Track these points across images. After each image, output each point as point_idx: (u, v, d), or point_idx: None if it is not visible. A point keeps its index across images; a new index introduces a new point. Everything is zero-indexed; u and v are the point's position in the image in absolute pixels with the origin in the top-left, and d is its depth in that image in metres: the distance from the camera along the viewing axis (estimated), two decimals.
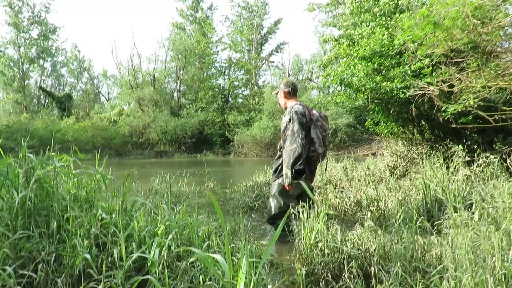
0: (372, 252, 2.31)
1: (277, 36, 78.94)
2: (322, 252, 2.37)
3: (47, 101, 42.44)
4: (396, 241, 2.49)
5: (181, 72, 35.77)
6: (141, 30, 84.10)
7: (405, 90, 4.67)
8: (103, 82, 48.76)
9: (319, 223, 2.43)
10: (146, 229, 2.00)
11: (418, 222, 3.02)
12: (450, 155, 5.02)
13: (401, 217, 3.01)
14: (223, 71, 37.66)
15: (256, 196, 5.14)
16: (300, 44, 71.08)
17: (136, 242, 1.86)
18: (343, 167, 6.42)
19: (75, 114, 37.48)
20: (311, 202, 3.29)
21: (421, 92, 3.79)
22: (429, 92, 3.67)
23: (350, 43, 5.85)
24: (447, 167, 4.74)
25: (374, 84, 4.71)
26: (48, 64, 45.01)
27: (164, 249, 1.82)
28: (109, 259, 1.78)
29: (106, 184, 2.46)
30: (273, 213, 3.27)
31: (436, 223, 3.21)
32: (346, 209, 4.39)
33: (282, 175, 3.23)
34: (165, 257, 1.78)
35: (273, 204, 3.29)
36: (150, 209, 2.55)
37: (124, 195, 2.26)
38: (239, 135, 28.86)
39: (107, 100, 46.32)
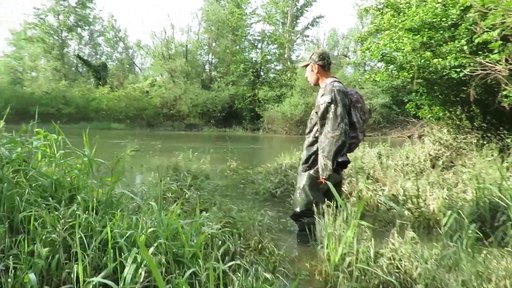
0: (415, 278, 1.81)
1: (313, 9, 75.93)
2: (350, 269, 1.90)
3: (84, 69, 43.37)
4: (447, 262, 1.96)
5: (214, 44, 35.21)
6: (176, 0, 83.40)
7: (458, 69, 3.98)
8: (137, 52, 49.10)
9: (348, 234, 1.95)
10: (128, 234, 1.60)
11: (469, 231, 2.49)
12: (506, 147, 4.33)
13: (448, 222, 2.48)
14: (255, 44, 36.71)
15: (279, 182, 4.69)
16: (338, 18, 68.02)
17: (109, 256, 1.47)
18: (378, 153, 5.81)
19: (110, 83, 38.14)
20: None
21: (483, 72, 3.13)
22: (495, 72, 3.00)
23: (395, 13, 5.11)
24: (502, 161, 4.07)
25: (422, 61, 4.03)
26: (85, 33, 45.71)
27: (142, 265, 1.43)
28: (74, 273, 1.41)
29: (92, 168, 2.06)
30: (298, 209, 2.80)
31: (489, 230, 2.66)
32: (379, 204, 3.86)
33: (316, 166, 2.73)
34: (142, 277, 1.38)
35: (300, 199, 2.81)
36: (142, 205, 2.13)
37: (111, 186, 1.87)
38: (269, 111, 28.29)
39: (141, 71, 46.74)
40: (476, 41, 3.20)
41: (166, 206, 3.21)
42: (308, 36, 38.11)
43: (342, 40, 38.52)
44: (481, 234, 2.53)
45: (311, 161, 2.79)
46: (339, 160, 2.55)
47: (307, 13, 67.22)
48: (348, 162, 2.60)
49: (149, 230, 1.55)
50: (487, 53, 3.52)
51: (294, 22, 37.05)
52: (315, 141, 2.77)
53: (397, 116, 26.99)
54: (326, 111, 2.63)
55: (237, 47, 35.62)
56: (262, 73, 35.55)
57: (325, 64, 2.85)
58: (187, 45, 35.07)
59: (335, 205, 2.38)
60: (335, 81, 2.76)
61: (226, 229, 2.33)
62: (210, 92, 31.26)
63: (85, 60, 41.77)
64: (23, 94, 34.86)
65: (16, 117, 31.70)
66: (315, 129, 2.80)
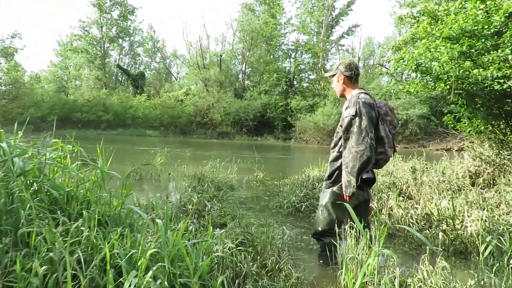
0: None
1: (349, 18, 75.04)
2: None
3: (123, 78, 45.20)
4: None
5: (247, 53, 35.57)
6: (211, 11, 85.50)
7: (501, 81, 3.66)
8: (174, 62, 50.56)
9: (370, 261, 1.77)
10: (130, 253, 1.52)
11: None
12: None
13: (487, 249, 2.23)
14: (289, 53, 36.70)
15: (304, 196, 4.51)
16: (374, 26, 66.77)
17: (107, 277, 1.39)
18: (412, 167, 5.48)
19: (147, 92, 39.46)
20: (364, 223, 2.62)
21: None
22: None
23: (432, 21, 4.84)
24: None
25: (461, 71, 3.74)
26: (126, 44, 47.81)
27: None
28: None
29: (104, 181, 2.01)
30: (320, 228, 2.62)
31: None
32: (411, 224, 3.60)
33: (340, 182, 2.57)
34: None
35: (322, 217, 2.63)
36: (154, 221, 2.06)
37: (123, 199, 1.81)
38: (301, 121, 28.05)
39: (176, 80, 48.00)
40: None
41: (184, 219, 3.15)
42: (343, 45, 37.68)
43: (378, 49, 37.67)
44: None
45: (335, 177, 2.62)
46: (364, 177, 2.36)
47: (343, 22, 66.50)
48: (373, 179, 2.40)
49: (151, 251, 1.46)
50: None
51: (329, 32, 36.74)
52: (339, 156, 2.60)
53: (435, 127, 25.87)
54: (350, 124, 2.47)
55: (271, 56, 35.80)
56: (295, 82, 35.42)
57: (352, 76, 2.68)
58: (221, 55, 35.68)
59: (358, 226, 2.20)
60: (362, 92, 2.59)
61: (240, 248, 2.21)
62: (243, 101, 31.51)
63: (125, 70, 43.58)
64: (67, 101, 36.80)
65: (60, 122, 33.07)
66: (339, 143, 2.64)
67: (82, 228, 1.58)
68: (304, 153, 18.49)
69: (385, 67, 27.66)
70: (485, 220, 3.17)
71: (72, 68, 48.39)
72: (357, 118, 2.43)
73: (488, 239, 2.30)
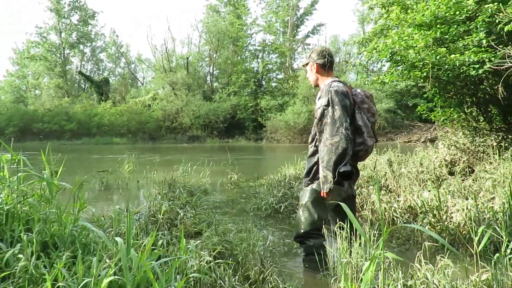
0: None
1: (314, 17, 76.25)
2: None
3: (86, 85, 43.50)
4: None
5: (215, 55, 35.17)
6: (176, 14, 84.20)
7: (477, 66, 3.60)
8: (139, 66, 49.29)
9: (370, 268, 1.54)
10: (83, 283, 1.22)
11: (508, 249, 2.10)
12: None
13: (483, 242, 2.08)
14: (256, 54, 36.64)
15: (283, 196, 4.29)
16: (338, 25, 68.11)
17: None
18: (388, 160, 5.40)
19: (112, 98, 38.14)
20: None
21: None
22: None
23: (402, 10, 4.76)
24: None
25: (437, 57, 3.65)
26: (87, 49, 46.06)
27: None
28: None
29: (52, 195, 1.68)
30: (302, 230, 2.39)
31: None
32: (395, 218, 3.45)
33: (318, 179, 2.35)
34: None
35: (303, 218, 2.40)
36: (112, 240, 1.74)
37: (75, 215, 1.49)
38: (272, 120, 28.01)
39: (142, 85, 46.80)
40: (506, 29, 2.81)
41: (153, 232, 2.83)
42: (309, 44, 38.02)
43: (343, 47, 38.33)
44: None
45: (313, 173, 2.41)
46: (341, 170, 2.16)
47: (308, 22, 67.39)
48: (351, 172, 2.19)
49: (109, 279, 1.16)
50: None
51: (295, 31, 37.01)
52: (316, 150, 2.40)
53: (402, 120, 26.61)
54: (323, 115, 2.27)
55: (238, 57, 35.58)
56: (263, 83, 35.39)
57: (325, 63, 2.49)
58: (188, 57, 35.06)
59: (348, 225, 1.99)
60: (335, 81, 2.39)
61: (219, 261, 1.94)
62: (212, 103, 31.09)
63: (87, 76, 41.96)
64: (26, 112, 34.87)
65: (20, 134, 31.39)
66: (316, 137, 2.44)
67: (21, 255, 1.25)
68: (276, 152, 18.37)
69: (352, 64, 28.15)
70: (470, 209, 3.07)
71: (30, 77, 46.04)
72: (329, 108, 2.24)
73: (480, 230, 2.15)
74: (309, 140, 2.54)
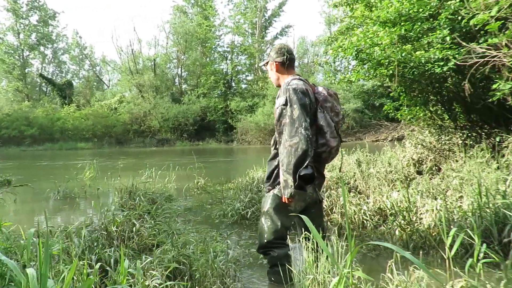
0: None
1: (281, 19, 76.82)
2: None
3: (48, 89, 41.60)
4: None
5: (183, 57, 34.59)
6: (142, 14, 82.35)
7: (441, 63, 3.56)
8: (104, 69, 47.76)
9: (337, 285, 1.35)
10: None
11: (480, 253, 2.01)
12: (496, 147, 3.94)
13: (457, 245, 1.96)
14: (225, 55, 36.36)
15: (250, 201, 4.08)
16: (306, 27, 69.07)
17: None
18: (357, 160, 5.33)
19: (76, 102, 36.65)
20: (319, 228, 2.25)
21: (481, 60, 2.68)
22: (494, 59, 2.56)
23: (366, 8, 4.71)
24: (497, 162, 3.65)
25: (403, 54, 3.59)
26: (49, 51, 44.05)
27: None
28: None
29: None
30: (265, 239, 2.19)
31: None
32: (364, 221, 3.34)
33: (279, 183, 2.17)
34: None
35: (266, 226, 2.21)
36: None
37: None
38: (242, 122, 27.83)
39: (108, 87, 45.34)
40: (472, 22, 2.75)
41: (106, 248, 2.55)
42: None
43: (311, 48, 38.79)
44: (495, 257, 2.03)
45: (273, 177, 2.24)
46: (301, 173, 1.99)
47: (276, 23, 67.84)
48: (313, 175, 2.04)
49: None
50: (478, 41, 3.12)
51: (263, 33, 37.07)
52: (277, 153, 2.23)
53: (369, 120, 27.18)
54: (281, 115, 2.12)
55: (207, 59, 35.16)
56: (233, 84, 35.15)
57: (284, 61, 2.32)
58: (154, 59, 34.25)
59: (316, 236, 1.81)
60: (294, 79, 2.23)
61: (172, 282, 1.71)
62: (181, 105, 30.49)
63: (49, 79, 40.10)
64: None
65: None
66: (277, 141, 2.26)
67: None
68: (247, 154, 18.20)
69: (320, 65, 28.48)
70: (440, 210, 3.00)
71: None
72: (288, 107, 2.07)
73: (452, 232, 2.04)
74: (271, 142, 2.36)
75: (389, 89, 5.04)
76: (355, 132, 26.44)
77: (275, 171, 2.23)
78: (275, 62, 2.33)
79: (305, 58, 39.09)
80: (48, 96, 40.05)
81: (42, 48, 42.43)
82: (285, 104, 2.07)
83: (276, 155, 2.25)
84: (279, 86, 2.36)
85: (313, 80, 28.22)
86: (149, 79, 31.98)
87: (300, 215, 2.07)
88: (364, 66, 4.38)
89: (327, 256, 1.61)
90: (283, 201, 2.10)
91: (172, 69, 36.72)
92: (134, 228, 2.89)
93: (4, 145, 30.52)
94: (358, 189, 4.30)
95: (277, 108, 2.14)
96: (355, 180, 4.54)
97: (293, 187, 2.00)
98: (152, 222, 3.30)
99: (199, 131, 30.76)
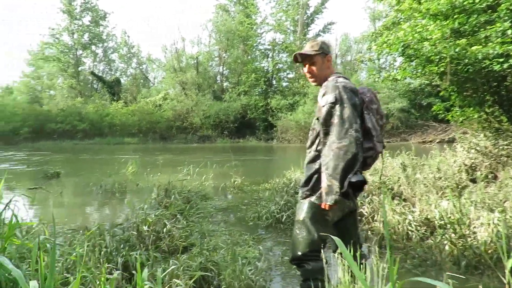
0: None
1: (324, 15, 75.35)
2: None
3: (98, 85, 43.88)
4: None
5: (224, 55, 34.97)
6: (187, 14, 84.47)
7: (501, 60, 3.19)
8: (150, 66, 49.53)
9: None
10: None
11: None
12: None
13: None
14: (266, 53, 36.27)
15: (286, 204, 3.93)
16: (349, 23, 67.28)
17: None
18: (402, 163, 4.99)
19: (123, 99, 38.31)
20: (354, 239, 2.07)
21: None
22: None
23: (414, 0, 4.36)
24: None
25: (456, 50, 3.26)
26: (99, 50, 46.38)
27: None
28: None
29: None
30: (300, 251, 1.99)
31: None
32: (409, 232, 3.07)
33: (319, 189, 1.96)
34: None
35: (300, 237, 2.01)
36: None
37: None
38: (282, 120, 27.60)
39: (154, 84, 46.95)
40: None
41: (134, 248, 2.52)
42: None
43: (354, 45, 37.65)
44: None
45: (313, 183, 2.01)
46: (353, 180, 1.80)
47: (318, 20, 66.37)
48: (364, 182, 1.85)
49: None
50: None
51: (305, 30, 36.49)
52: (318, 155, 2.02)
53: (416, 120, 25.87)
54: (329, 114, 1.89)
55: (248, 57, 35.25)
56: (274, 82, 34.99)
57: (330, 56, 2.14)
58: (197, 57, 34.92)
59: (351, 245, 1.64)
60: (340, 76, 2.04)
61: None
62: (222, 103, 30.87)
63: (99, 77, 42.26)
64: (41, 112, 35.33)
65: (34, 135, 32.17)
66: (317, 140, 2.06)
67: None
68: (286, 153, 18.00)
69: (363, 62, 27.52)
70: (497, 224, 2.67)
71: (45, 78, 46.78)
72: (337, 106, 1.86)
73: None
74: (308, 143, 2.15)
75: (439, 88, 4.64)
76: (400, 132, 25.25)
77: (315, 176, 2.02)
78: (330, 55, 2.11)
79: (348, 56, 38.04)
80: (99, 93, 42.21)
81: (93, 47, 44.81)
82: (335, 102, 1.87)
83: (315, 158, 2.04)
84: (318, 83, 2.16)
85: (356, 79, 27.36)
86: (191, 76, 32.69)
87: (338, 221, 1.90)
88: (412, 63, 4.05)
89: (365, 277, 1.44)
90: (323, 207, 1.91)
91: (214, 67, 37.27)
92: (165, 229, 2.85)
93: (59, 138, 32.68)
94: (402, 196, 4.00)
95: (324, 106, 1.92)
96: (400, 186, 4.24)
97: (338, 193, 1.81)
98: (185, 222, 3.26)
99: (240, 128, 30.96)
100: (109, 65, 49.06)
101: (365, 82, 25.81)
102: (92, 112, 34.59)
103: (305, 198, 2.05)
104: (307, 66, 2.13)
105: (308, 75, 2.15)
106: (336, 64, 36.82)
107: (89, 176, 8.02)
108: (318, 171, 1.99)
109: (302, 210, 2.04)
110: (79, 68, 43.44)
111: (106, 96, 39.81)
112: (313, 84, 2.19)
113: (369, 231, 3.31)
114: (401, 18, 4.78)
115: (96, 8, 42.79)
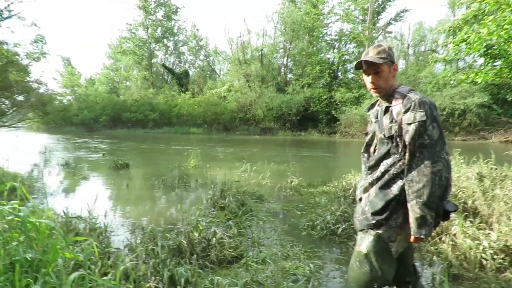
0: None
1: (396, 2, 70.60)
2: None
3: (169, 77, 46.29)
4: None
5: (289, 46, 34.62)
6: (252, 6, 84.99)
7: None
8: (217, 59, 50.96)
9: None
10: None
11: None
12: None
13: None
14: (332, 44, 35.13)
15: (342, 215, 3.71)
16: (425, 10, 62.42)
17: None
18: (478, 173, 4.43)
19: (191, 90, 39.97)
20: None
21: None
22: None
23: None
24: None
25: None
26: (170, 43, 48.86)
27: None
28: None
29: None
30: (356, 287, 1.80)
31: None
32: (483, 260, 2.70)
33: (390, 220, 1.76)
34: None
35: (360, 271, 1.79)
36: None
37: None
38: (346, 114, 26.66)
39: (219, 76, 48.26)
40: None
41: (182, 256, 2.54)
42: (390, 32, 35.11)
43: (429, 34, 34.80)
44: None
45: (389, 212, 1.77)
46: (451, 209, 1.63)
47: (390, 8, 62.49)
48: (456, 208, 1.67)
49: None
50: None
51: (375, 18, 34.52)
52: (393, 179, 1.78)
53: (498, 117, 23.27)
54: (419, 134, 1.65)
55: (313, 48, 34.48)
56: (339, 74, 33.85)
57: None
58: (262, 49, 35.06)
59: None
60: (412, 89, 1.80)
61: None
62: (285, 95, 30.71)
63: (169, 69, 44.52)
64: (117, 102, 38.47)
65: (111, 123, 35.37)
66: (386, 161, 1.81)
67: None
68: (350, 148, 17.33)
69: (438, 53, 25.35)
70: None
71: (122, 70, 50.65)
72: (428, 125, 1.65)
73: None
74: (371, 163, 1.88)
75: None
76: (478, 130, 22.90)
77: (392, 203, 1.77)
78: (395, 64, 1.88)
79: (422, 46, 35.37)
80: (168, 84, 44.53)
81: (165, 41, 47.27)
82: (425, 121, 1.65)
83: (390, 182, 1.79)
84: (382, 95, 1.87)
85: (430, 71, 25.30)
86: (255, 69, 32.96)
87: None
88: (496, 65, 3.54)
89: None
90: (412, 241, 1.71)
91: (278, 59, 37.17)
92: (214, 238, 2.83)
93: (132, 126, 35.32)
94: (477, 213, 3.56)
95: (411, 124, 1.68)
96: (474, 201, 3.78)
97: (433, 224, 1.64)
98: (236, 230, 3.22)
99: (302, 121, 30.62)
100: (179, 57, 51.50)
101: (440, 75, 23.83)
102: (162, 103, 36.75)
103: (371, 229, 1.80)
104: (371, 75, 1.85)
105: (371, 86, 1.87)
106: (407, 55, 34.49)
107: (154, 168, 8.43)
108: (395, 198, 1.75)
109: (366, 242, 1.80)
110: (152, 61, 46.19)
111: (175, 87, 41.90)
112: (375, 95, 1.90)
113: (434, 255, 2.98)
114: (484, 11, 4.21)
115: (168, 3, 44.98)
